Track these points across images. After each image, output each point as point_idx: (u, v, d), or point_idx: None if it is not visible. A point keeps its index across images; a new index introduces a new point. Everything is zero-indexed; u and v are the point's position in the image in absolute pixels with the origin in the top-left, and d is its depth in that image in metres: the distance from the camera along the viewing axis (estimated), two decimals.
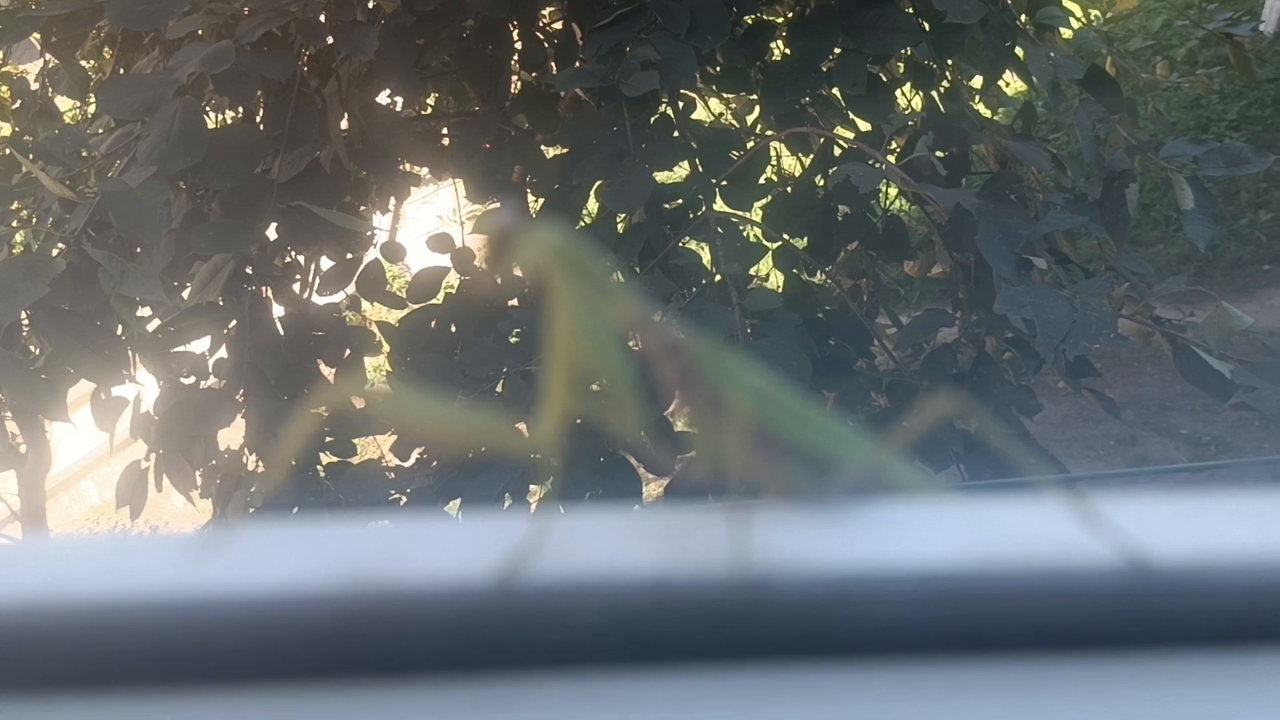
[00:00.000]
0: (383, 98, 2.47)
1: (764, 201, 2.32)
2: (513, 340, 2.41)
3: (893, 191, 2.80)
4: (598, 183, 2.36)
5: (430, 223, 6.24)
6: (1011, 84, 2.68)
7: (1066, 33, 2.64)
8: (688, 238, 2.29)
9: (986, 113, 2.71)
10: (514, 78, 2.58)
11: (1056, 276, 1.99)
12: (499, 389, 2.27)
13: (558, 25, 2.55)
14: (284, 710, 0.23)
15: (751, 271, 2.36)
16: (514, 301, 2.65)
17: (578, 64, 2.34)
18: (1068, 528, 0.25)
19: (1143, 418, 5.27)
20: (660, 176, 2.35)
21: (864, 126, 2.45)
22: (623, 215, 2.44)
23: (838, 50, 2.19)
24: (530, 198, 2.58)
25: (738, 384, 0.32)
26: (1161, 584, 0.23)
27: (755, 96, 2.66)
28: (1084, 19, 2.88)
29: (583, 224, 2.52)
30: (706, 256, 2.24)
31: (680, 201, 2.31)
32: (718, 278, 2.17)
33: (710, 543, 0.26)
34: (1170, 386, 5.47)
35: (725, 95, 3.00)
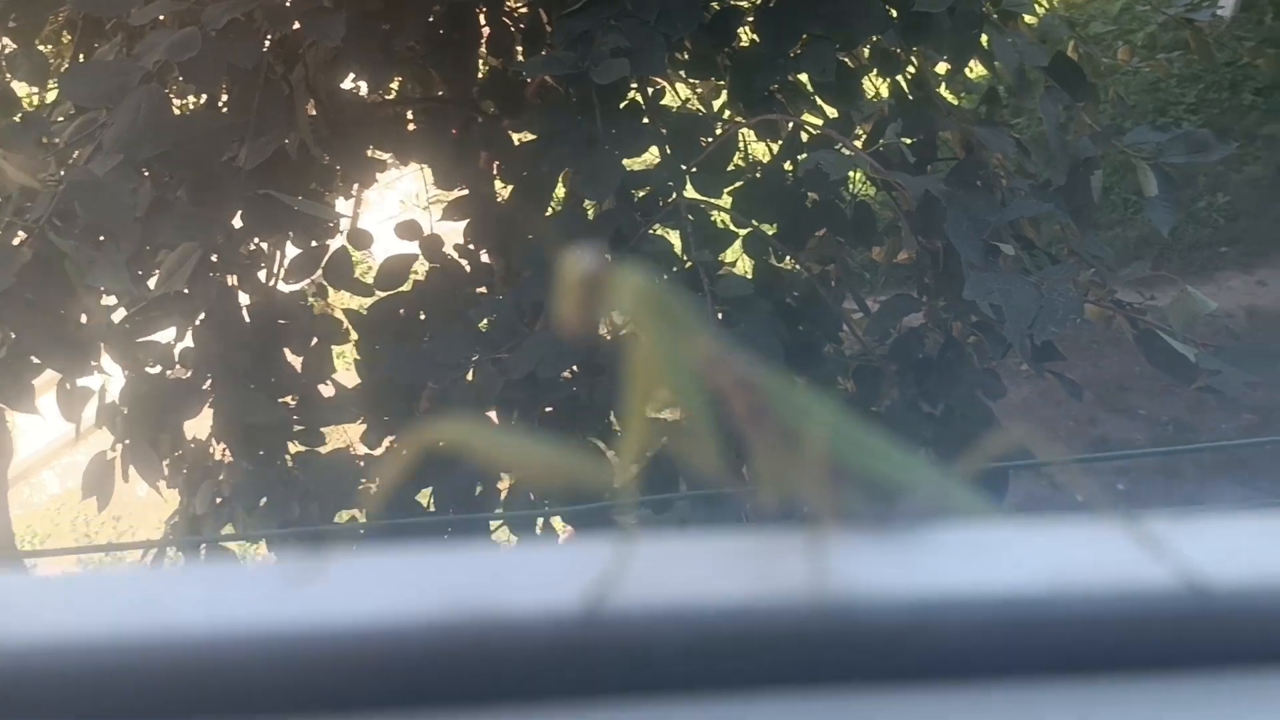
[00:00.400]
0: (348, 83, 2.45)
1: (734, 188, 2.32)
2: (483, 328, 2.41)
3: (860, 177, 2.81)
4: (567, 169, 2.36)
5: (393, 208, 6.19)
6: (975, 69, 2.70)
7: (1030, 18, 2.66)
8: (658, 224, 2.30)
9: (953, 99, 2.73)
10: (481, 64, 2.57)
11: (1023, 262, 2.01)
12: (469, 377, 2.27)
13: (525, 11, 2.53)
14: None
15: (721, 258, 2.37)
16: (483, 289, 2.65)
17: (546, 50, 2.33)
18: (1129, 551, 0.26)
19: (1102, 399, 5.34)
20: (630, 163, 2.35)
21: (832, 113, 2.46)
22: (593, 202, 2.44)
23: (805, 37, 2.20)
24: (498, 184, 2.58)
25: (807, 417, 0.33)
26: (1219, 607, 0.24)
27: (723, 82, 2.66)
28: (1047, 4, 2.91)
29: (551, 211, 2.52)
30: (677, 243, 2.25)
31: (650, 188, 2.31)
32: (688, 264, 2.18)
33: (789, 570, 0.26)
34: (1129, 368, 5.55)
35: (693, 81, 3.00)
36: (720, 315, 2.06)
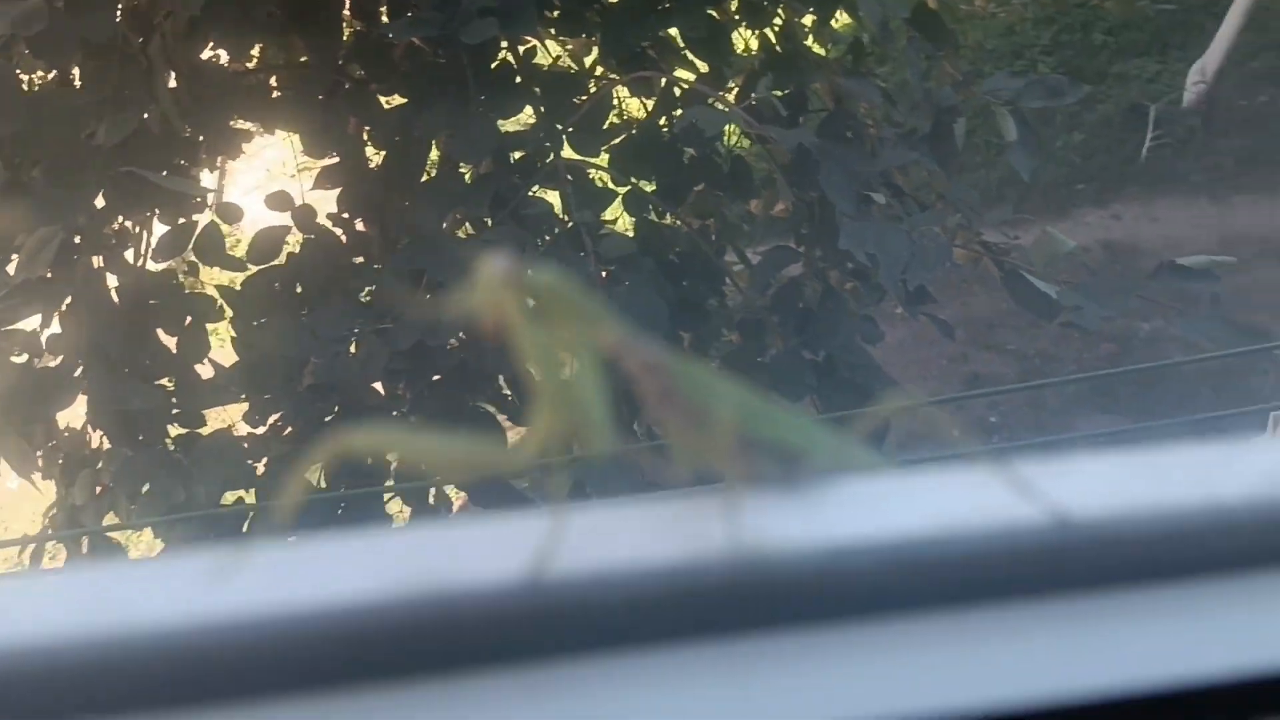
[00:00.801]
0: (207, 53, 2.36)
1: (611, 146, 2.33)
2: (363, 298, 2.37)
3: (735, 131, 2.84)
4: (440, 133, 2.33)
5: (257, 177, 6.00)
6: (840, 20, 2.74)
7: None
8: (537, 186, 2.29)
9: (821, 51, 2.77)
10: (345, 27, 2.50)
11: (894, 210, 2.06)
12: (353, 350, 2.23)
13: None
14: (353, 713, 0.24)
15: (602, 217, 2.37)
16: (360, 259, 2.60)
17: (412, 11, 2.29)
18: (1002, 493, 0.28)
19: (972, 336, 5.52)
20: (505, 125, 2.34)
21: (704, 68, 2.47)
22: (469, 165, 2.41)
23: None
24: (370, 150, 2.53)
25: (711, 392, 0.35)
26: (1080, 537, 0.27)
27: (594, 39, 2.65)
28: None
29: (427, 176, 2.49)
30: (557, 204, 2.24)
31: (527, 150, 2.30)
32: (569, 225, 2.18)
33: (709, 531, 0.28)
34: (996, 305, 5.75)
35: (563, 39, 2.98)
36: (605, 275, 2.07)
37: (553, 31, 2.64)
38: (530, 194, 2.28)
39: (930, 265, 1.76)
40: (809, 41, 2.63)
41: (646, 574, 0.26)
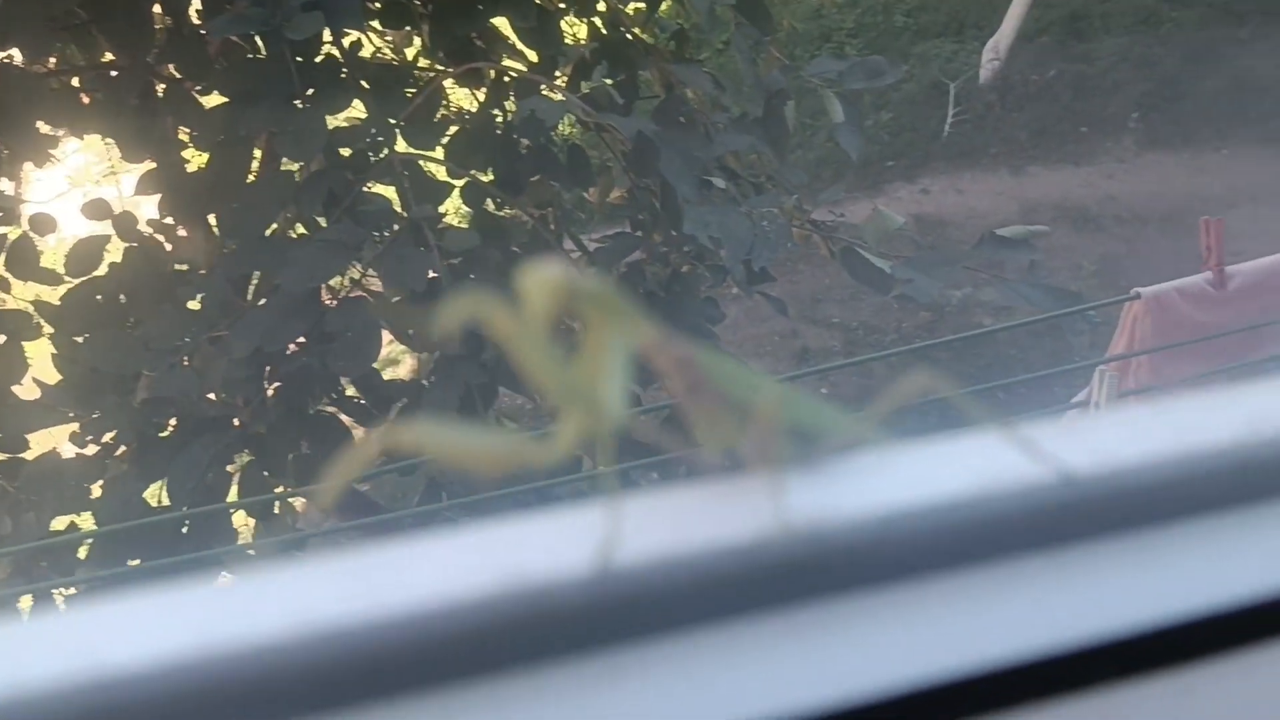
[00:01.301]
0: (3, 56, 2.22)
1: (447, 139, 2.30)
2: (194, 306, 2.28)
3: (567, 120, 2.84)
4: (265, 132, 2.25)
5: (58, 185, 5.66)
6: (664, 8, 2.78)
7: None
8: (372, 181, 2.24)
9: (649, 38, 2.80)
10: (157, 25, 2.39)
11: (731, 194, 2.12)
12: (187, 361, 2.15)
13: None
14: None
15: (441, 210, 2.34)
16: (183, 266, 2.49)
17: (229, 7, 2.20)
18: (1012, 456, 0.30)
19: (800, 312, 5.70)
20: (334, 120, 2.28)
21: (534, 58, 2.47)
22: (299, 164, 2.34)
23: None
24: (193, 152, 2.43)
25: (742, 383, 0.36)
26: (1084, 493, 0.29)
27: (418, 31, 2.61)
28: None
29: (254, 177, 2.40)
30: (395, 199, 2.20)
31: (359, 146, 2.25)
32: (409, 220, 2.15)
33: (752, 511, 0.29)
34: (820, 281, 5.96)
35: (383, 31, 2.92)
36: (449, 269, 2.05)
37: (378, 25, 2.59)
38: (365, 190, 2.23)
39: (773, 246, 1.82)
40: (636, 29, 2.65)
41: (710, 555, 0.27)
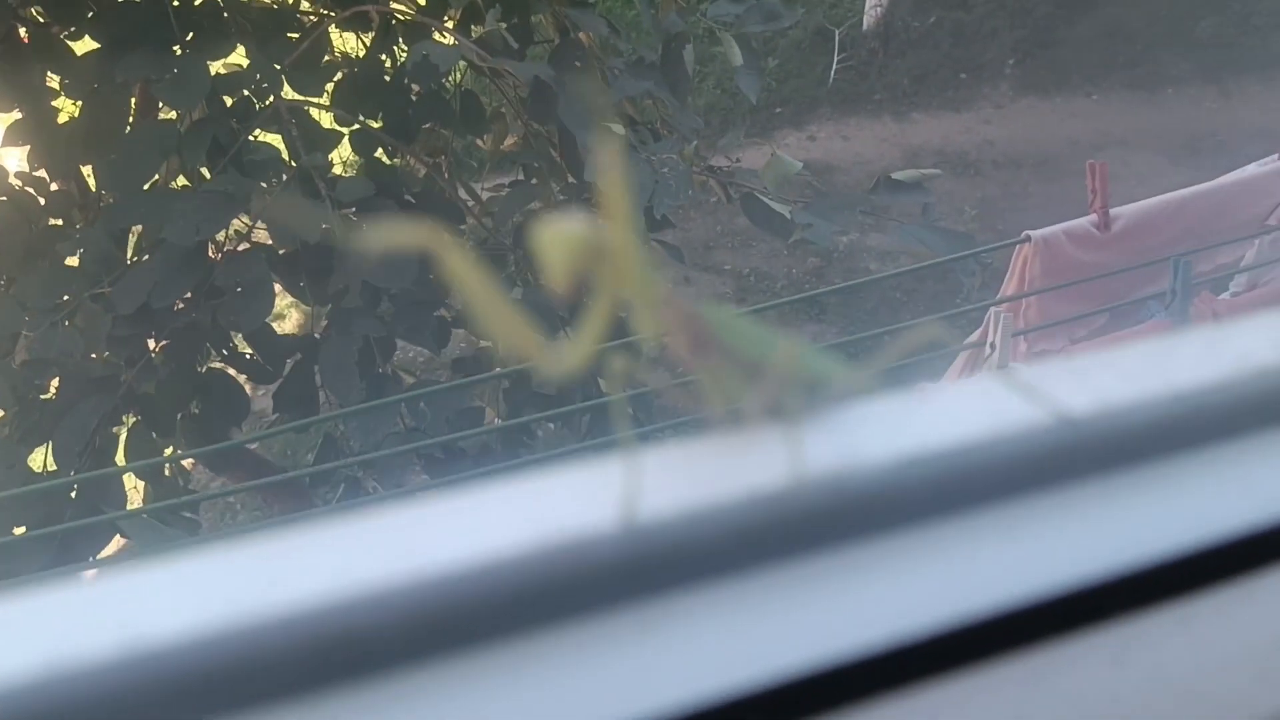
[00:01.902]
0: None
1: (334, 85, 2.23)
2: (72, 263, 2.18)
3: (459, 66, 2.78)
4: (143, 79, 2.15)
5: None
6: None
7: None
8: (259, 130, 2.17)
9: None
10: None
11: (630, 141, 2.10)
12: (68, 321, 2.06)
13: None
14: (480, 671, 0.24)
15: (331, 159, 2.28)
16: (58, 221, 2.38)
17: None
18: (1011, 398, 0.31)
19: (693, 259, 5.73)
20: (216, 66, 2.19)
21: (422, 1, 2.41)
22: (180, 112, 2.25)
23: None
24: (65, 101, 2.31)
25: (750, 336, 0.36)
26: (1083, 432, 0.30)
27: None
28: None
29: (129, 127, 2.30)
30: (283, 148, 2.13)
31: (245, 92, 2.17)
32: (298, 169, 2.08)
33: (772, 461, 0.29)
34: (712, 229, 5.99)
35: None
36: (345, 218, 2.00)
37: None
38: (251, 139, 2.15)
39: (674, 193, 1.82)
40: None
41: (730, 507, 0.27)
